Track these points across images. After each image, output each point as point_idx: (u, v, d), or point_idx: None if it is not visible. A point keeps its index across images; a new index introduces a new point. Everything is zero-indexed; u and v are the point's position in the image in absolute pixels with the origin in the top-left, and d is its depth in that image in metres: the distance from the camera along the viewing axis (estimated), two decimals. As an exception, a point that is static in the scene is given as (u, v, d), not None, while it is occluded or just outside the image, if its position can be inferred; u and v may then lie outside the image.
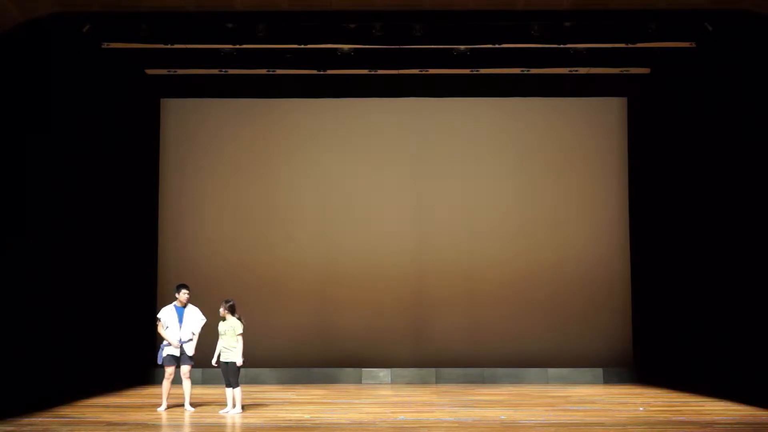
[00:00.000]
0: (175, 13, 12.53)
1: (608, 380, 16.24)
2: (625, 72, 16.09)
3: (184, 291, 11.55)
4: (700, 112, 14.95)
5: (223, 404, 11.36)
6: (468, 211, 17.00)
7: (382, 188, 17.06)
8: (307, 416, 10.87)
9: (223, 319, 11.10)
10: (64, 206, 14.20)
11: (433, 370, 16.42)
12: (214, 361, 11.24)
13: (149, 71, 16.05)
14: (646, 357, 16.34)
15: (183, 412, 11.26)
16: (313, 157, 17.10)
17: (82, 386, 13.70)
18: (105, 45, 14.45)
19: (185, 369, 11.42)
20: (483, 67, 15.55)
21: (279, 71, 15.85)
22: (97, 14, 12.60)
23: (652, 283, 16.33)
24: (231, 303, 11.17)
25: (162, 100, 17.12)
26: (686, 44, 14.50)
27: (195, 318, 11.54)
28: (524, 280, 16.78)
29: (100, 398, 12.96)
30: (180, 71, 15.89)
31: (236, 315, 11.12)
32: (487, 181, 17.06)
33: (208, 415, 10.98)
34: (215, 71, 15.79)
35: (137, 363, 15.72)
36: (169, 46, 14.36)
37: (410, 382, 16.22)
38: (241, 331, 11.02)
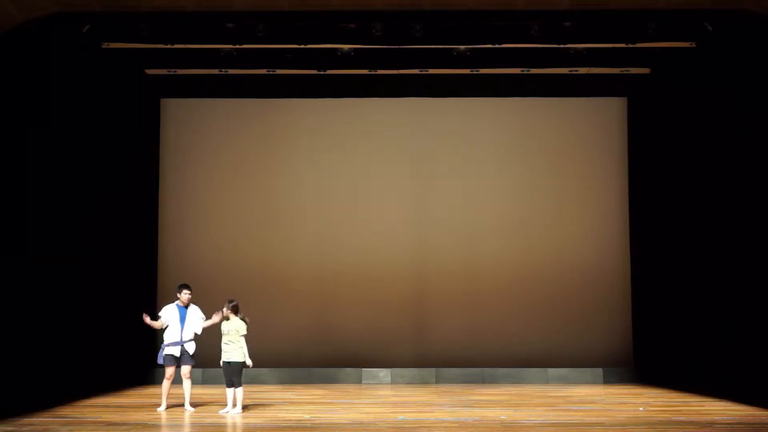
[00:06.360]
0: (175, 13, 12.56)
1: (608, 380, 16.24)
2: (625, 72, 16.08)
3: (185, 291, 11.54)
4: (700, 112, 14.95)
5: (224, 404, 11.36)
6: (468, 211, 16.99)
7: (382, 188, 17.05)
8: (307, 416, 10.87)
9: (227, 318, 11.10)
10: (64, 206, 14.19)
11: (433, 370, 16.42)
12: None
13: (149, 71, 16.03)
14: (646, 357, 16.33)
15: (183, 412, 11.26)
16: (313, 157, 17.09)
17: (82, 386, 13.70)
18: (105, 45, 14.43)
19: (186, 369, 11.41)
20: (483, 67, 15.54)
21: (279, 71, 15.83)
22: (97, 14, 12.61)
23: (652, 283, 16.33)
24: (234, 303, 11.14)
25: (162, 100, 17.10)
26: (686, 44, 14.49)
27: (197, 318, 11.53)
28: (524, 280, 16.77)
29: (100, 398, 12.96)
30: (180, 71, 15.87)
31: (240, 315, 11.11)
32: (487, 181, 17.05)
33: (208, 415, 10.98)
34: (215, 71, 15.77)
35: (137, 363, 15.72)
36: (169, 46, 14.35)
37: (410, 382, 16.21)
38: (244, 332, 11.00)
